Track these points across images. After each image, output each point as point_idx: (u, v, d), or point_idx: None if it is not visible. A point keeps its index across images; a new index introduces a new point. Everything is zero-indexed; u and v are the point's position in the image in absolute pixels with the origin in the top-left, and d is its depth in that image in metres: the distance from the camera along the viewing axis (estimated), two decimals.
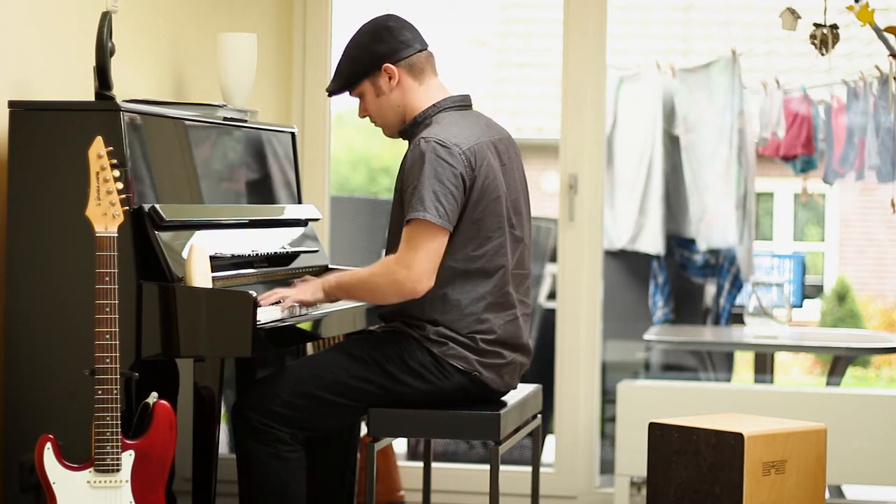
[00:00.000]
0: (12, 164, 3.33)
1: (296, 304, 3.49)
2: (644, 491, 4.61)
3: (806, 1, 4.67)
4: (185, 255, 3.33)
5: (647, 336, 6.36)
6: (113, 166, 3.07)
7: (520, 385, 3.75)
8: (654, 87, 6.83)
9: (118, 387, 3.05)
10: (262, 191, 4.06)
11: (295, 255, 3.94)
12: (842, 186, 10.42)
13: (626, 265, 7.03)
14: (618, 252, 6.87)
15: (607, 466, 5.42)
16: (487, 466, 3.53)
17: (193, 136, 3.67)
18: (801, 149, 6.84)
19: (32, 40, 3.52)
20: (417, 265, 3.37)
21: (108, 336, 3.04)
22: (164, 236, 3.30)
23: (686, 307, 7.08)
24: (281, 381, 3.48)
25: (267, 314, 3.38)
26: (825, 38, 4.39)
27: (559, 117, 5.28)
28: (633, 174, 6.82)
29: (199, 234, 3.46)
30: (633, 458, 4.96)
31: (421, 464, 4.47)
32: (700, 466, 3.47)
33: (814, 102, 6.82)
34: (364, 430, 3.60)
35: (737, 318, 6.90)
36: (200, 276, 3.29)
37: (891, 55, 4.42)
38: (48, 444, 3.06)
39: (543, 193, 9.18)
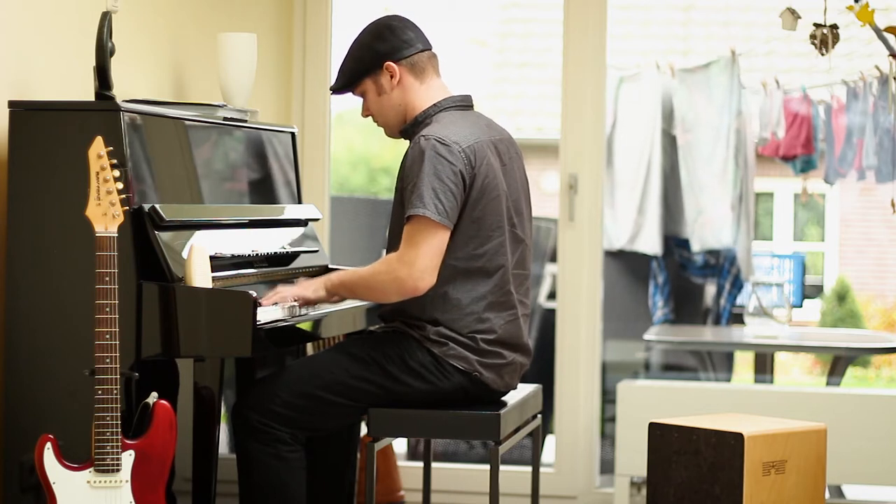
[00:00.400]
0: (12, 164, 3.33)
1: (296, 303, 3.48)
2: (644, 491, 4.61)
3: (806, 1, 4.67)
4: (185, 255, 3.33)
5: (647, 336, 6.36)
6: (113, 166, 3.07)
7: (520, 385, 3.75)
8: (653, 87, 6.83)
9: (118, 387, 3.05)
10: (262, 191, 4.06)
11: (295, 255, 3.94)
12: (842, 186, 10.42)
13: (626, 265, 7.03)
14: (618, 252, 6.87)
15: (607, 466, 5.42)
16: (487, 466, 3.53)
17: (193, 136, 3.67)
18: (800, 149, 6.84)
19: (32, 40, 3.52)
20: (419, 263, 3.37)
21: (108, 336, 3.04)
22: (164, 236, 3.30)
23: (686, 307, 7.08)
24: (281, 381, 3.48)
25: (267, 314, 3.38)
26: (825, 38, 4.39)
27: (559, 117, 5.28)
28: (632, 174, 6.82)
29: (199, 234, 3.46)
30: (633, 458, 4.96)
31: (421, 464, 4.47)
32: (700, 466, 3.47)
33: (814, 102, 6.82)
34: (364, 430, 3.60)
35: (737, 319, 6.91)
36: (200, 276, 3.29)
37: (891, 55, 4.42)
38: (48, 444, 3.06)
39: (543, 193, 9.18)
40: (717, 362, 6.78)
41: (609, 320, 5.85)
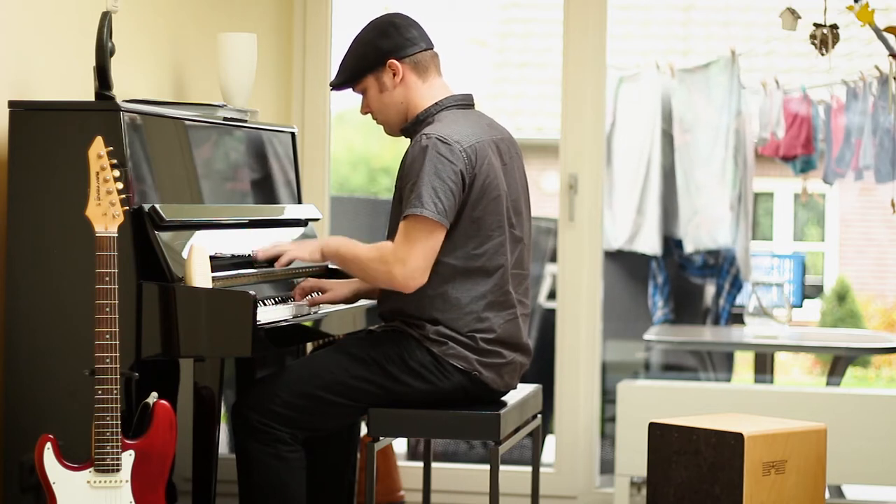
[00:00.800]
0: (12, 164, 3.33)
1: (289, 303, 3.48)
2: (644, 491, 4.61)
3: (806, 1, 4.67)
4: (185, 255, 3.33)
5: (647, 336, 6.35)
6: (113, 166, 3.06)
7: (520, 385, 3.75)
8: (653, 87, 6.83)
9: (118, 387, 3.05)
10: (262, 191, 4.06)
11: None
12: (841, 186, 10.42)
13: (626, 265, 7.03)
14: (618, 252, 6.87)
15: (607, 466, 5.42)
16: (487, 466, 3.53)
17: (193, 136, 3.67)
18: (800, 149, 6.84)
19: (32, 40, 3.52)
20: (412, 261, 3.38)
21: (108, 336, 3.04)
22: (164, 236, 3.30)
23: (686, 307, 7.08)
24: (281, 381, 3.48)
25: (267, 314, 3.38)
26: (825, 38, 4.39)
27: (559, 117, 5.28)
28: (632, 174, 6.82)
29: (199, 234, 3.46)
30: (633, 458, 4.96)
31: (421, 464, 4.47)
32: (700, 466, 3.47)
33: (813, 102, 6.82)
34: (364, 430, 3.60)
35: (736, 319, 6.90)
36: (200, 276, 3.29)
37: (890, 55, 4.42)
38: (48, 444, 3.06)
39: (543, 193, 9.18)
40: (717, 362, 6.78)
41: (609, 320, 5.85)
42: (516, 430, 3.67)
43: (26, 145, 3.32)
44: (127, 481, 3.09)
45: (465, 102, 3.62)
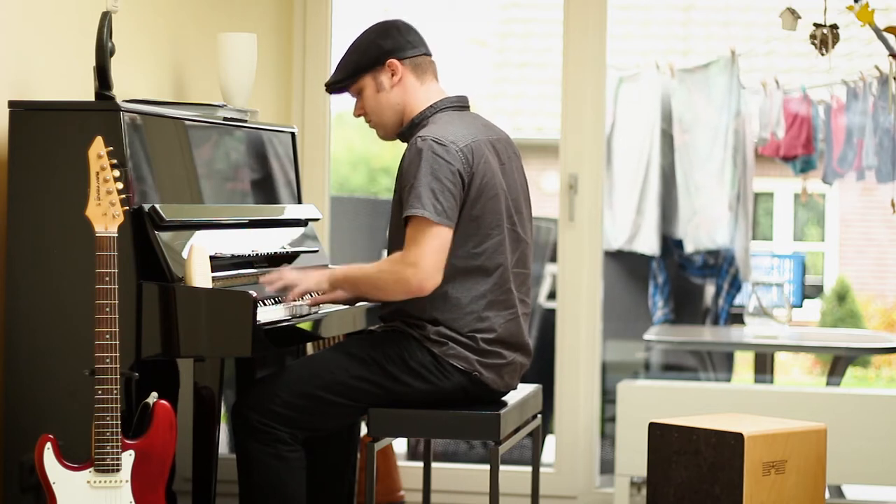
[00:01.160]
0: (12, 164, 3.33)
1: (297, 300, 3.48)
2: (644, 491, 4.61)
3: (806, 1, 4.67)
4: (185, 255, 3.33)
5: (647, 336, 6.35)
6: (113, 166, 3.07)
7: (520, 385, 3.75)
8: (653, 87, 6.83)
9: (118, 387, 3.05)
10: (262, 191, 4.06)
11: (295, 255, 3.94)
12: (841, 186, 10.42)
13: (626, 265, 7.03)
14: (618, 252, 6.87)
15: (607, 466, 5.42)
16: (487, 466, 3.53)
17: (193, 136, 3.67)
18: (800, 149, 6.84)
19: (32, 40, 3.52)
20: (424, 262, 3.36)
21: (108, 336, 3.04)
22: (164, 236, 3.30)
23: (686, 307, 7.08)
24: (281, 381, 3.48)
25: (267, 314, 3.38)
26: (825, 38, 4.39)
27: (559, 117, 5.28)
28: (631, 174, 6.82)
29: (199, 234, 3.46)
30: (633, 458, 4.96)
31: (421, 464, 4.47)
32: (700, 466, 3.47)
33: (813, 102, 6.82)
34: (364, 430, 3.60)
35: (736, 319, 6.91)
36: (200, 276, 3.29)
37: (890, 55, 4.42)
38: (48, 444, 3.06)
39: (543, 193, 9.18)
40: (717, 362, 6.78)
41: (609, 320, 5.85)
42: (516, 430, 3.67)
43: (26, 145, 3.32)
44: (127, 481, 3.09)
45: (460, 104, 3.62)
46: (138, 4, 4.03)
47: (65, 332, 3.30)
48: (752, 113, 6.76)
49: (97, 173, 3.05)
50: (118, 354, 3.05)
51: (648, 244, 6.79)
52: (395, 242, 3.50)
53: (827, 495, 4.53)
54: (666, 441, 3.54)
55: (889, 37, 4.36)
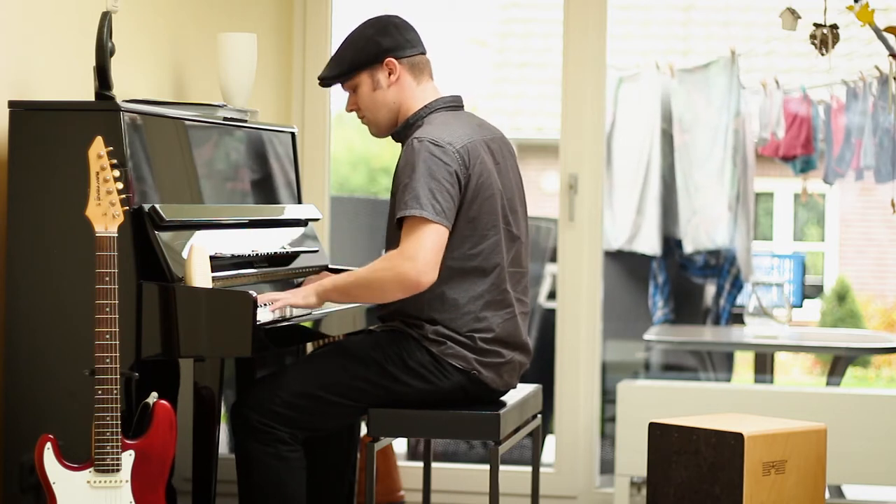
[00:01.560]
0: (12, 164, 3.33)
1: (286, 308, 3.46)
2: (644, 491, 4.61)
3: (806, 1, 4.67)
4: (185, 255, 3.33)
5: (647, 336, 6.36)
6: (113, 166, 3.07)
7: (520, 385, 3.75)
8: (653, 87, 6.83)
9: (118, 387, 3.05)
10: (262, 191, 4.06)
11: (295, 255, 3.94)
12: (841, 186, 10.42)
13: (626, 265, 7.03)
14: (618, 252, 6.87)
15: (607, 466, 5.42)
16: (487, 466, 3.53)
17: (193, 136, 3.67)
18: (800, 149, 6.84)
19: (32, 40, 3.52)
20: (421, 257, 3.35)
21: (108, 336, 3.04)
22: (164, 236, 3.30)
23: (686, 307, 7.08)
24: (281, 381, 3.48)
25: (267, 314, 3.38)
26: (825, 38, 4.39)
27: (559, 117, 5.28)
28: (631, 174, 6.82)
29: (199, 234, 3.46)
30: (633, 458, 4.96)
31: (421, 464, 4.47)
32: (700, 466, 3.47)
33: (813, 102, 6.82)
34: (364, 430, 3.60)
35: (737, 319, 6.91)
36: (200, 276, 3.29)
37: (890, 55, 4.42)
38: (48, 444, 3.06)
39: (543, 193, 9.18)
40: (717, 362, 6.79)
41: (609, 320, 5.85)
42: (516, 430, 3.67)
43: (26, 145, 3.32)
44: (127, 481, 3.09)
45: (455, 104, 3.62)
46: (138, 4, 4.03)
47: (65, 332, 3.30)
48: (752, 113, 6.76)
49: (97, 173, 3.05)
50: (118, 354, 3.05)
51: (649, 244, 6.79)
52: (393, 243, 3.50)
53: (827, 495, 4.53)
54: (666, 441, 3.54)
55: (889, 37, 4.36)
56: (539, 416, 3.93)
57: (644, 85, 6.86)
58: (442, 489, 5.20)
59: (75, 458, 3.08)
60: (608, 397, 6.05)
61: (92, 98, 3.45)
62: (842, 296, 10.69)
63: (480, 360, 3.49)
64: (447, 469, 5.35)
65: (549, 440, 5.91)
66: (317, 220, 4.20)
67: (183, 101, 3.96)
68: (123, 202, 3.07)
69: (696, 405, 4.87)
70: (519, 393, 3.71)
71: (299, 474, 3.46)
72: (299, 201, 4.25)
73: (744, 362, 7.92)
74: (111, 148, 3.07)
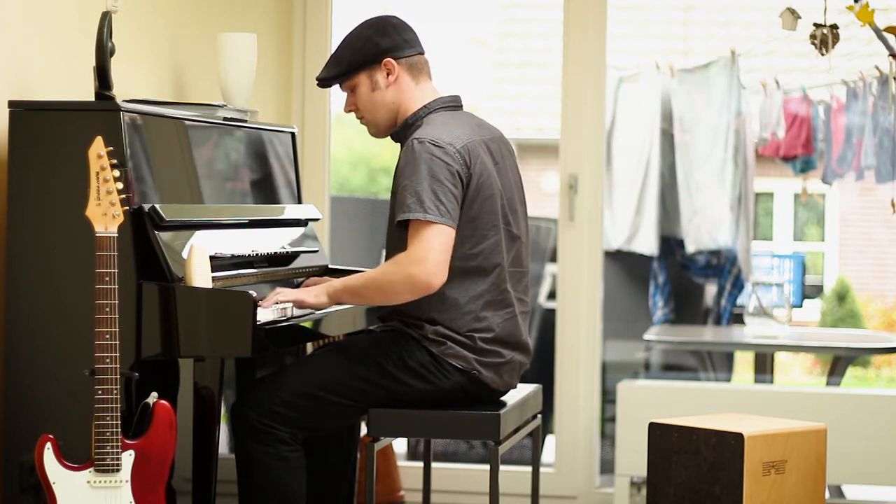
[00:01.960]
0: (12, 164, 3.33)
1: (289, 304, 3.46)
2: (644, 491, 4.61)
3: (806, 1, 4.67)
4: (185, 255, 3.33)
5: (647, 336, 6.36)
6: (113, 166, 3.07)
7: (520, 385, 3.75)
8: (653, 87, 6.83)
9: (118, 387, 3.05)
10: (262, 191, 4.06)
11: (295, 255, 3.94)
12: (841, 186, 10.42)
13: (626, 265, 7.03)
14: (618, 252, 6.87)
15: (607, 466, 5.42)
16: (487, 466, 3.53)
17: (193, 136, 3.67)
18: (800, 149, 6.84)
19: (32, 40, 3.52)
20: (431, 258, 3.34)
21: (108, 336, 3.04)
22: (164, 236, 3.30)
23: (686, 307, 7.08)
24: (281, 381, 3.48)
25: (266, 314, 3.37)
26: (825, 38, 4.39)
27: (559, 117, 5.28)
28: (631, 174, 6.82)
29: (199, 234, 3.46)
30: (633, 458, 4.96)
31: (421, 464, 4.47)
32: (700, 466, 3.47)
33: (813, 103, 6.82)
34: (364, 430, 3.60)
35: (738, 319, 6.91)
36: (200, 276, 3.29)
37: (891, 55, 4.42)
38: (48, 444, 3.06)
39: (543, 193, 9.18)
40: (717, 362, 6.79)
41: (609, 320, 5.85)
42: (516, 430, 3.67)
43: (26, 145, 3.32)
44: (127, 481, 3.09)
45: (454, 104, 3.62)
46: (138, 4, 4.03)
47: (65, 332, 3.30)
48: (752, 113, 6.76)
49: (97, 173, 3.05)
50: (118, 354, 3.05)
51: (647, 244, 6.79)
52: (393, 244, 3.50)
53: (827, 495, 4.53)
54: (666, 441, 3.54)
55: (889, 37, 4.36)
56: (539, 416, 3.93)
57: (644, 85, 6.86)
58: (442, 489, 5.20)
59: (75, 458, 3.08)
60: (608, 397, 6.05)
61: (92, 98, 3.45)
62: (842, 296, 10.69)
63: (480, 361, 3.49)
64: (447, 469, 5.35)
65: (549, 440, 5.90)
66: (317, 220, 4.20)
67: (183, 101, 3.96)
68: (123, 202, 3.07)
69: (696, 405, 4.87)
70: (519, 393, 3.71)
71: (299, 474, 3.46)
72: (299, 201, 4.25)
73: (744, 362, 7.93)
74: (111, 148, 3.07)
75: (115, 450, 3.06)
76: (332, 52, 3.61)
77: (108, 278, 3.04)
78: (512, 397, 3.64)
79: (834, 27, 4.39)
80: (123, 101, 3.38)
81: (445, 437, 3.54)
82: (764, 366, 6.54)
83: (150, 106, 3.48)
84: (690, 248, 6.75)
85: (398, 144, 3.61)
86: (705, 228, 6.72)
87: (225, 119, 3.85)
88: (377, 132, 3.64)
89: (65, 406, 3.29)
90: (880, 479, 4.97)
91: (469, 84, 11.37)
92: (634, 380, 5.71)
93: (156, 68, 4.19)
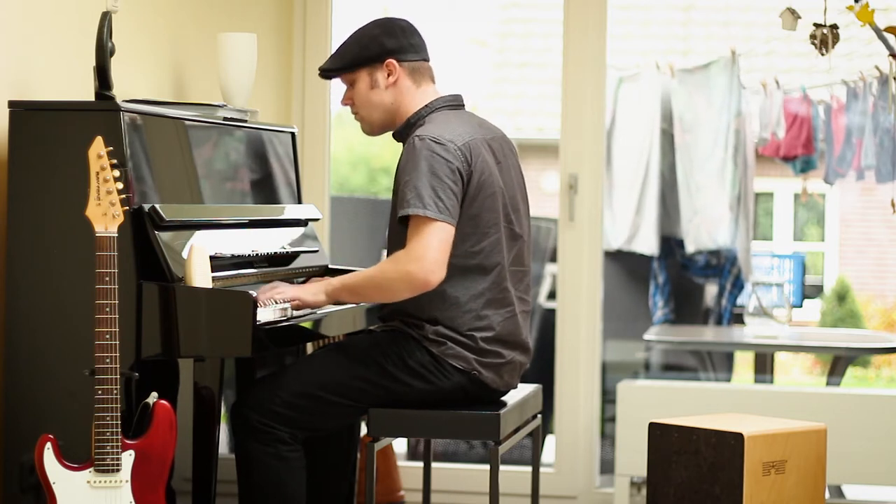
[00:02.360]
0: (12, 164, 3.33)
1: (288, 304, 3.46)
2: (644, 491, 4.61)
3: (806, 1, 4.67)
4: (185, 255, 3.33)
5: (647, 336, 6.36)
6: (113, 166, 3.07)
7: (520, 385, 3.75)
8: (653, 87, 6.83)
9: (118, 387, 3.05)
10: (262, 191, 4.06)
11: (295, 255, 3.94)
12: (841, 186, 10.42)
13: (626, 265, 7.03)
14: (618, 252, 6.87)
15: (607, 466, 5.42)
16: (487, 466, 3.53)
17: (193, 136, 3.67)
18: (800, 149, 6.84)
19: (32, 40, 3.52)
20: (429, 256, 3.35)
21: (108, 336, 3.04)
22: (164, 236, 3.30)
23: (686, 307, 7.08)
24: (281, 381, 3.48)
25: (267, 314, 3.37)
26: (825, 38, 4.39)
27: (559, 117, 5.28)
28: (631, 174, 6.82)
29: (199, 234, 3.46)
30: (633, 458, 4.96)
31: (421, 464, 4.47)
32: (700, 466, 3.47)
33: (813, 103, 6.82)
34: (364, 430, 3.60)
35: (739, 319, 6.91)
36: (200, 276, 3.29)
37: (891, 55, 4.42)
38: (48, 444, 3.06)
39: (543, 193, 9.19)
40: (717, 362, 6.79)
41: (609, 320, 5.85)
42: (516, 430, 3.67)
43: (26, 145, 3.32)
44: (127, 481, 3.09)
45: (455, 103, 3.62)
46: (138, 4, 4.03)
47: (65, 332, 3.30)
48: (752, 113, 6.76)
49: (97, 173, 3.05)
50: (118, 354, 3.05)
51: (647, 244, 6.79)
52: (394, 241, 3.50)
53: (827, 495, 4.53)
54: (666, 441, 3.54)
55: (889, 37, 4.36)
56: (539, 416, 3.93)
57: (644, 85, 6.86)
58: (442, 489, 5.20)
59: (75, 458, 3.08)
60: (608, 397, 6.05)
61: (92, 98, 3.45)
62: (842, 296, 10.69)
63: (481, 361, 3.49)
64: (447, 469, 5.35)
65: (549, 440, 5.90)
66: (317, 220, 4.20)
67: (183, 101, 3.96)
68: (123, 202, 3.07)
69: (696, 405, 4.87)
70: (519, 393, 3.71)
71: (299, 474, 3.46)
72: (299, 201, 4.25)
73: (744, 362, 7.92)
74: (111, 148, 3.07)
75: (115, 450, 3.06)
76: (339, 44, 3.62)
77: (108, 278, 3.04)
78: (512, 397, 3.64)
79: (834, 27, 4.39)
80: (123, 101, 3.38)
81: (445, 437, 3.54)
82: (764, 366, 6.54)
83: (150, 106, 3.48)
84: (690, 248, 6.75)
85: (400, 144, 3.61)
86: (705, 228, 6.72)
87: (225, 119, 3.85)
88: (370, 130, 3.64)
89: (65, 406, 3.29)
90: (880, 479, 4.97)
91: (469, 84, 11.37)
92: (634, 380, 5.71)
93: (156, 68, 4.19)
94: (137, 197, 3.29)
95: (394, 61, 3.55)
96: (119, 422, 3.05)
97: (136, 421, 3.17)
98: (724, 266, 6.92)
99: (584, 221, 5.24)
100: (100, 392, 3.03)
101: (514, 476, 5.09)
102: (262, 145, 4.07)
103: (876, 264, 11.61)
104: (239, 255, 3.59)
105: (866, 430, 4.91)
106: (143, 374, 3.24)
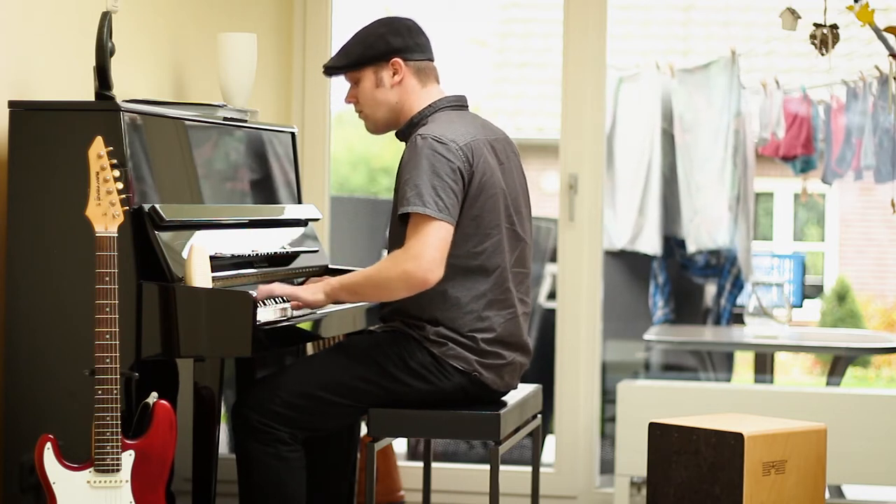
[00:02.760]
0: (12, 164, 3.33)
1: (288, 304, 3.45)
2: (644, 491, 4.61)
3: (806, 1, 4.67)
4: (185, 255, 3.33)
5: (647, 336, 6.35)
6: (113, 166, 3.07)
7: (520, 385, 3.75)
8: (653, 87, 6.83)
9: (118, 387, 3.05)
10: (262, 191, 4.06)
11: (295, 255, 3.94)
12: (841, 186, 10.42)
13: (626, 265, 7.03)
14: (618, 252, 6.87)
15: (607, 466, 5.42)
16: (487, 466, 3.53)
17: (193, 136, 3.67)
18: (800, 149, 6.84)
19: (32, 40, 3.52)
20: (427, 254, 3.35)
21: (108, 336, 3.04)
22: (164, 236, 3.30)
23: (686, 307, 7.08)
24: (281, 381, 3.48)
25: (267, 314, 3.38)
26: (825, 38, 4.39)
27: (559, 117, 5.28)
28: (632, 174, 6.82)
29: (199, 234, 3.46)
30: (633, 458, 4.96)
31: (421, 464, 4.47)
32: (700, 466, 3.47)
33: (813, 102, 6.82)
34: (364, 430, 3.60)
35: (738, 319, 6.91)
36: (200, 276, 3.29)
37: (891, 55, 4.42)
38: (48, 444, 3.06)
39: (543, 193, 9.18)
40: (717, 362, 6.79)
41: (609, 320, 5.85)
42: (516, 430, 3.67)
43: (26, 145, 3.32)
44: (127, 481, 3.09)
45: (459, 103, 3.62)
46: (138, 4, 4.03)
47: (65, 332, 3.30)
48: (752, 113, 6.76)
49: (97, 173, 3.05)
50: (118, 354, 3.05)
51: (651, 244, 6.79)
52: (395, 241, 3.50)
53: (827, 495, 4.53)
54: (666, 441, 3.54)
55: (889, 37, 4.36)
56: (539, 416, 3.93)
57: (644, 85, 6.86)
58: (442, 489, 5.20)
59: (75, 458, 3.08)
60: (608, 397, 6.05)
61: (92, 98, 3.45)
62: (842, 296, 10.69)
63: (481, 362, 3.49)
64: (447, 469, 5.35)
65: (549, 440, 5.90)
66: (317, 220, 4.20)
67: (183, 101, 3.96)
68: (123, 202, 3.07)
69: (696, 405, 4.87)
70: (519, 393, 3.71)
71: (299, 474, 3.46)
72: (299, 201, 4.25)
73: (744, 362, 7.92)
74: (111, 148, 3.07)
75: (115, 450, 3.06)
76: (344, 42, 3.61)
77: (108, 278, 3.04)
78: (512, 397, 3.64)
79: (834, 27, 4.40)
80: (123, 101, 3.38)
81: (445, 437, 3.54)
82: (764, 366, 6.54)
83: (150, 106, 3.48)
84: (691, 247, 6.75)
85: (402, 143, 3.61)
86: (705, 228, 6.72)
87: (225, 119, 3.85)
88: (374, 129, 3.64)
89: (65, 406, 3.29)
90: (880, 479, 4.97)
91: (469, 84, 11.38)
92: (634, 380, 5.71)
93: (156, 68, 4.19)
94: (137, 197, 3.29)
95: (399, 60, 3.55)
96: (119, 422, 3.05)
97: (136, 421, 3.17)
98: (724, 266, 6.92)
99: (584, 221, 5.24)
100: (100, 392, 3.03)
101: (514, 476, 5.09)
102: (262, 145, 4.07)
103: (876, 264, 11.61)
104: (239, 255, 3.59)
105: (866, 430, 4.91)
106: (143, 374, 3.24)
